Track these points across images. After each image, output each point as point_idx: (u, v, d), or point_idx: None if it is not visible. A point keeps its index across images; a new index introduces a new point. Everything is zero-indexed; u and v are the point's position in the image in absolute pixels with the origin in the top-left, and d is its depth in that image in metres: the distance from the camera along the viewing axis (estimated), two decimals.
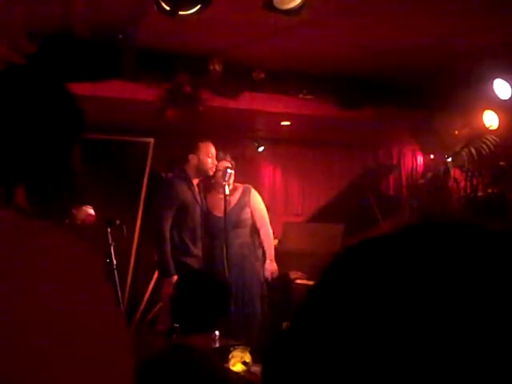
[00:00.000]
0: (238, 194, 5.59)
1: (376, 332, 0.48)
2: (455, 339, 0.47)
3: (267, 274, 5.57)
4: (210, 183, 5.56)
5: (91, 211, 4.90)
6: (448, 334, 0.47)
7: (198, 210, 5.39)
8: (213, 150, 5.41)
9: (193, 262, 5.21)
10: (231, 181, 5.46)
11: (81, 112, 1.12)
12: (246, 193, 5.62)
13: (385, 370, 0.47)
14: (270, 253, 5.61)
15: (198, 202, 5.40)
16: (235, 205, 5.52)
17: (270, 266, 5.59)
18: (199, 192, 5.47)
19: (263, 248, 5.65)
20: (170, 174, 5.89)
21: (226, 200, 5.31)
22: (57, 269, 0.88)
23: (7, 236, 0.89)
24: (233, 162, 5.52)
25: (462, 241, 0.52)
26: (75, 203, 3.63)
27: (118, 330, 0.90)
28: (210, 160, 5.37)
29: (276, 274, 5.62)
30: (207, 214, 5.50)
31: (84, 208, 4.83)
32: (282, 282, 5.85)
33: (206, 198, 5.58)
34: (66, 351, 0.83)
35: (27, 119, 1.03)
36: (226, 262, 5.24)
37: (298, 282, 6.00)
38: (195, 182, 5.42)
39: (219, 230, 5.38)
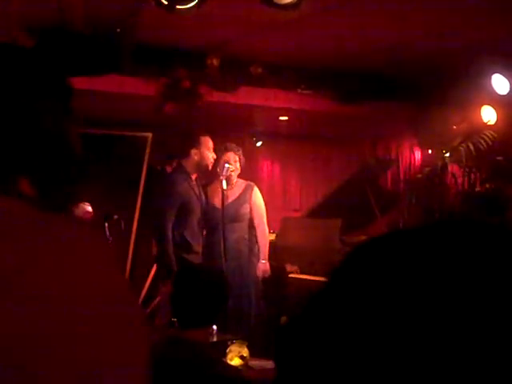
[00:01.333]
0: (239, 189, 5.58)
1: (386, 327, 0.49)
2: (463, 339, 0.47)
3: (259, 273, 5.58)
4: (211, 174, 5.56)
5: (89, 208, 4.90)
6: (455, 333, 0.47)
7: (198, 206, 5.37)
8: (211, 144, 5.40)
9: (193, 259, 5.20)
10: (234, 174, 5.46)
11: (63, 76, 1.06)
12: (247, 189, 5.61)
13: (391, 368, 0.48)
14: (265, 252, 5.61)
15: (198, 198, 5.38)
16: (235, 199, 5.52)
17: (263, 266, 5.60)
18: (198, 186, 5.45)
19: (258, 246, 5.66)
20: (168, 169, 5.87)
21: (223, 194, 5.31)
22: (79, 259, 0.87)
23: (27, 228, 0.88)
24: (242, 157, 5.51)
25: (476, 241, 0.53)
26: (78, 197, 3.61)
27: (137, 326, 0.90)
28: (210, 155, 5.36)
29: (268, 273, 5.64)
30: (206, 204, 5.49)
31: (81, 205, 4.83)
32: (277, 276, 5.86)
33: (206, 188, 5.57)
34: (86, 351, 0.83)
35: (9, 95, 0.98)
36: (223, 256, 5.25)
37: (294, 276, 6.01)
38: (193, 176, 5.40)
39: (217, 223, 5.39)
